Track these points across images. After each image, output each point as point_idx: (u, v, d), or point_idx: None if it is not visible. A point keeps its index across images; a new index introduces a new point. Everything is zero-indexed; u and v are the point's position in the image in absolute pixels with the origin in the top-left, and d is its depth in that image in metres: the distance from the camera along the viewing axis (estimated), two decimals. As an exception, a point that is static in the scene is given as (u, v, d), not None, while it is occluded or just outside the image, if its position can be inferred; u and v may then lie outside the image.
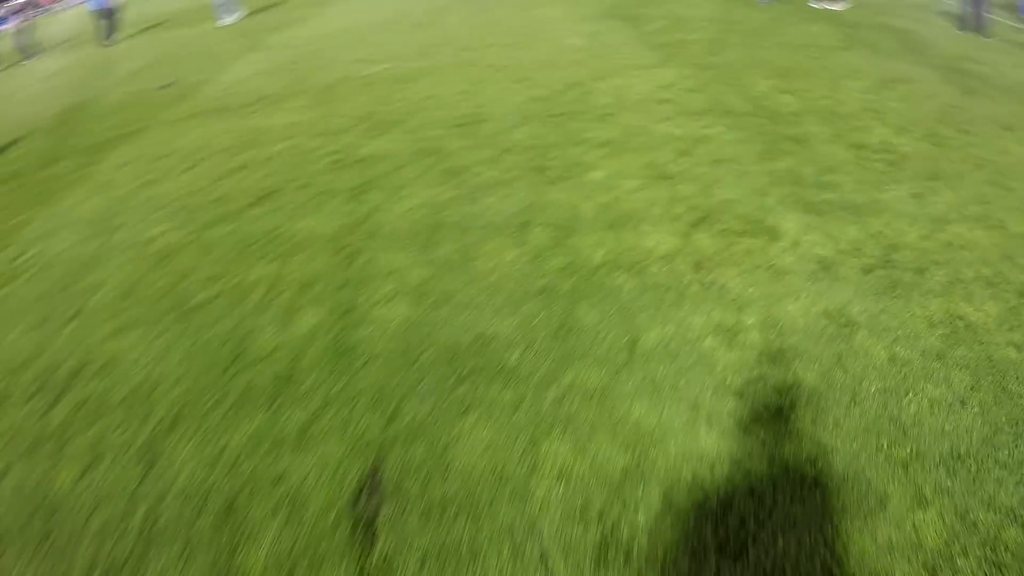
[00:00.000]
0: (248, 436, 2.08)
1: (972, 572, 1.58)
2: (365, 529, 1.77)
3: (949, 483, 1.78)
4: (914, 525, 1.68)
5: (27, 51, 11.22)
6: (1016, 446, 1.90)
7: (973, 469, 1.82)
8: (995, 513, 1.69)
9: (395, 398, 2.19)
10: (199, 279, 3.02)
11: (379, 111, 5.13)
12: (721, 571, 1.60)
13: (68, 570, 1.76)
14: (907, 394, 2.07)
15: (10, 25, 13.62)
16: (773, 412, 2.04)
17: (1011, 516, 1.69)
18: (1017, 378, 2.14)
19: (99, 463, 2.09)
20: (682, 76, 5.38)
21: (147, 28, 11.52)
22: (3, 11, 16.35)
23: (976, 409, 2.03)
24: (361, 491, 1.87)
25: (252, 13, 11.46)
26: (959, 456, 1.86)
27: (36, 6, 19.10)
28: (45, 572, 1.76)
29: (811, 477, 1.82)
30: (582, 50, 6.35)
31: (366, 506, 1.84)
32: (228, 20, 10.15)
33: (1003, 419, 1.97)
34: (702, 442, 1.94)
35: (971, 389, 2.10)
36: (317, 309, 2.68)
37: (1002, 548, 1.62)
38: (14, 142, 5.89)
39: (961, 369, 2.19)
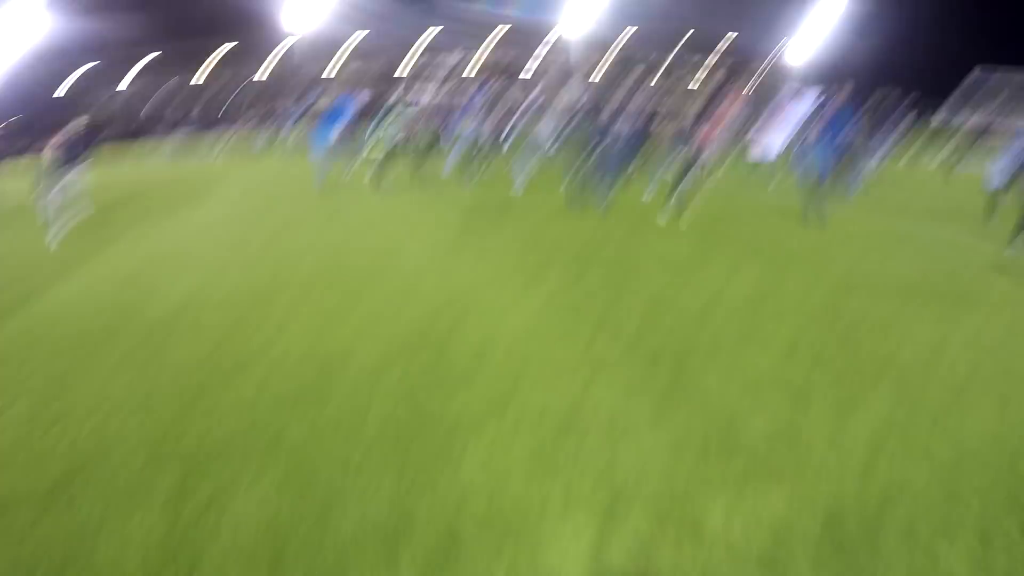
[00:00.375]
0: None
1: None
2: None
3: None
4: None
5: None
6: None
7: None
8: None
9: None
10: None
11: (212, 365, 5.06)
12: None
13: None
14: None
15: None
16: None
17: None
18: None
19: None
20: (555, 299, 6.22)
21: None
22: None
23: None
24: None
25: (88, 220, 11.38)
26: None
27: None
28: None
29: None
30: (445, 272, 7.23)
31: None
32: (55, 235, 9.70)
33: None
34: None
35: None
36: None
37: None
38: None
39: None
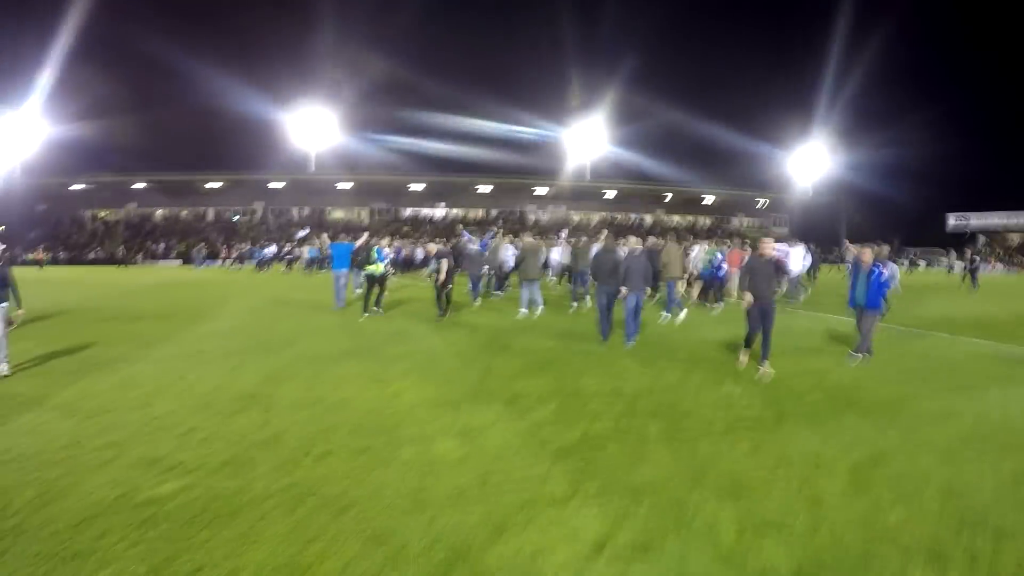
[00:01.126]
0: None
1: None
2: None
3: None
4: None
5: None
6: None
7: None
8: None
9: None
10: None
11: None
12: None
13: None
14: None
15: None
16: None
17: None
18: None
19: None
20: (613, 518, 4.48)
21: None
22: None
23: None
24: None
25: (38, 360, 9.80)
26: None
27: None
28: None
29: None
30: (460, 464, 5.40)
31: None
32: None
33: None
34: None
35: None
36: None
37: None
38: None
39: None
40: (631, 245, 12.71)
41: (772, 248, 8.83)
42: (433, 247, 15.41)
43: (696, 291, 18.57)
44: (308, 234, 47.23)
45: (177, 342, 11.26)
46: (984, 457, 5.62)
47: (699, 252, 18.33)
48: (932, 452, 5.73)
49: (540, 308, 15.51)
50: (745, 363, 9.14)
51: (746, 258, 22.08)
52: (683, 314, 14.59)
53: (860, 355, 9.84)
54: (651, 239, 17.97)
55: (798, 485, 4.93)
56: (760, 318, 8.82)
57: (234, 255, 48.31)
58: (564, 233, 34.91)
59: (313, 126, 61.20)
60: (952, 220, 70.17)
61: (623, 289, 11.16)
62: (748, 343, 9.16)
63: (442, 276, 14.56)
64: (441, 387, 7.95)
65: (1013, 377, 9.01)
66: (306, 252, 41.60)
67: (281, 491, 4.77)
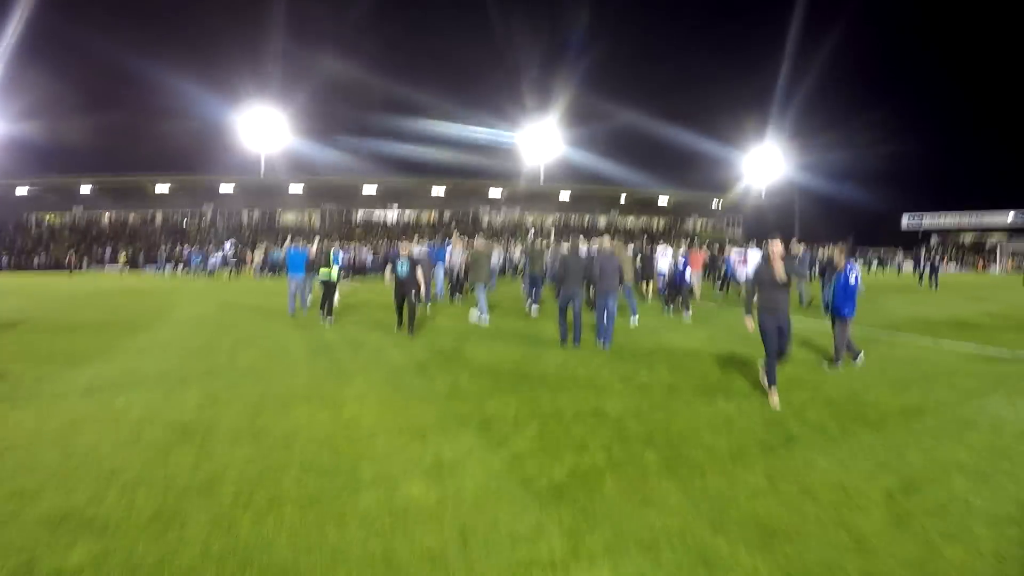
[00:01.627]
0: None
1: None
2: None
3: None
4: None
5: None
6: None
7: None
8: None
9: None
10: None
11: None
12: None
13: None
14: None
15: None
16: None
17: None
18: None
19: None
20: (626, 541, 3.64)
21: None
22: None
23: None
24: None
25: None
26: None
27: None
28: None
29: None
30: (432, 515, 4.49)
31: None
32: None
33: None
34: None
35: None
36: None
37: None
38: None
39: None
40: (603, 245, 12.16)
41: (781, 251, 7.50)
42: (406, 247, 14.01)
43: (660, 295, 18.19)
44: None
45: (110, 358, 10.02)
46: (1017, 478, 5.11)
47: (667, 256, 17.79)
48: (962, 473, 5.18)
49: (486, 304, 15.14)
50: (777, 404, 7.21)
51: (706, 259, 21.64)
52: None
53: (838, 365, 9.24)
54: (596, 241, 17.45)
55: (833, 525, 4.24)
56: (777, 336, 7.39)
57: (181, 260, 46.04)
58: (532, 234, 34.54)
59: (264, 128, 59.20)
60: (906, 220, 71.84)
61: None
62: (771, 372, 7.42)
63: (422, 287, 13.16)
64: (403, 411, 7.02)
65: (1007, 379, 8.65)
66: (258, 256, 40.10)
67: (215, 560, 3.80)
